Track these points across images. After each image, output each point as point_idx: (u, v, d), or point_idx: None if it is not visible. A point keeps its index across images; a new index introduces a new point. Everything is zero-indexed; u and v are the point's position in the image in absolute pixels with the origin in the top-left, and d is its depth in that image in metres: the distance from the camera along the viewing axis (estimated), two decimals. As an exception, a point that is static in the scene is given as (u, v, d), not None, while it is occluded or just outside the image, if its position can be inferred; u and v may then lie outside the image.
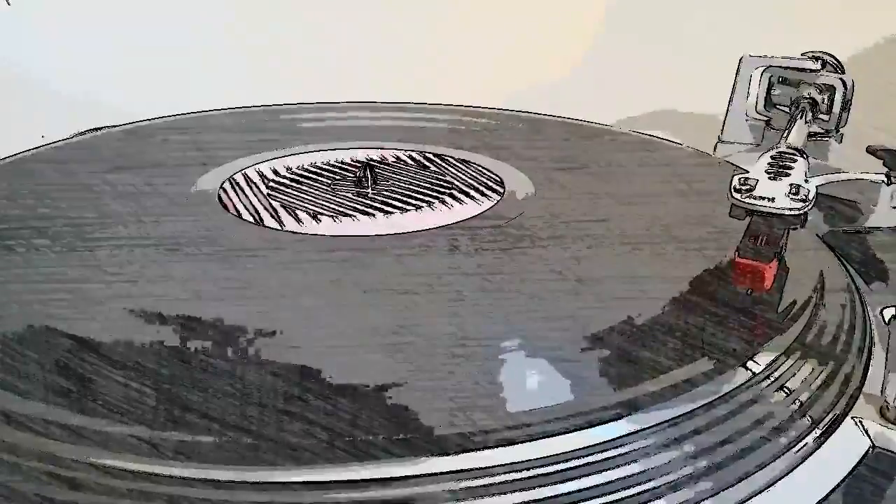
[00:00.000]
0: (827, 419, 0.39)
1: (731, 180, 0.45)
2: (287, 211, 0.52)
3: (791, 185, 0.45)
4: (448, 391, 0.36)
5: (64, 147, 0.63)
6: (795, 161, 0.48)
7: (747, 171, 0.47)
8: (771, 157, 0.49)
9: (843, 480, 0.37)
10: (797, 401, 0.39)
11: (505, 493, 0.33)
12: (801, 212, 0.44)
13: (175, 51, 0.83)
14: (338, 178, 0.57)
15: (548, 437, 0.34)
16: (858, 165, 0.63)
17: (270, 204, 0.53)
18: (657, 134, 0.69)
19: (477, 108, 0.73)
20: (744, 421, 0.37)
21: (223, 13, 0.85)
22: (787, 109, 0.67)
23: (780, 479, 0.36)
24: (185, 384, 0.37)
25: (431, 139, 0.65)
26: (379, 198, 0.54)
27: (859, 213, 0.60)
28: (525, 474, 0.33)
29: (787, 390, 0.39)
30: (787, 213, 0.44)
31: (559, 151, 0.65)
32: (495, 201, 0.54)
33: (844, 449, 0.38)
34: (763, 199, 0.44)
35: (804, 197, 0.44)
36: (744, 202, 0.44)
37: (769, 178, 0.46)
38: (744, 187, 0.45)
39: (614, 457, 0.34)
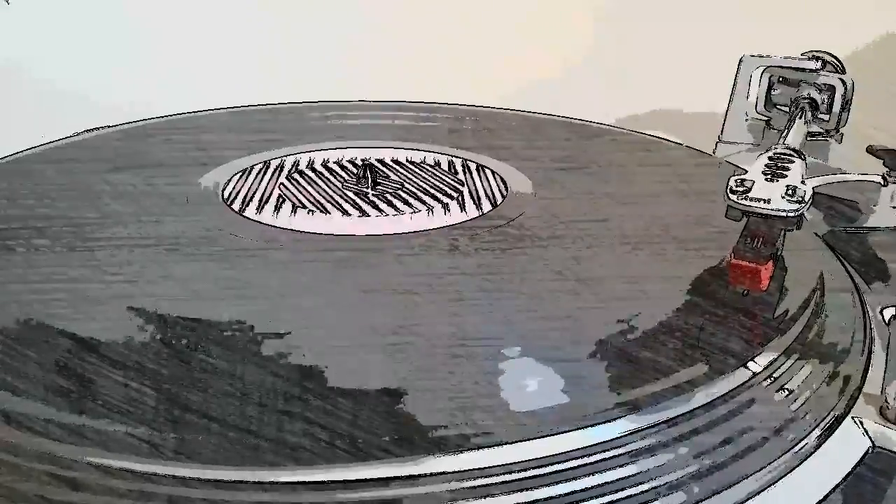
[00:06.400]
0: (827, 419, 0.39)
1: (728, 181, 0.45)
2: (286, 209, 0.52)
3: (787, 186, 0.45)
4: (448, 391, 0.36)
5: (64, 147, 0.63)
6: (793, 162, 0.48)
7: (746, 172, 0.47)
8: (768, 157, 0.49)
9: (843, 480, 0.37)
10: (797, 401, 0.39)
11: (505, 494, 0.33)
12: (797, 213, 0.44)
13: (174, 50, 0.83)
14: (338, 177, 0.57)
15: (547, 437, 0.34)
16: (858, 165, 0.63)
17: (269, 203, 0.53)
18: (657, 134, 0.69)
19: (477, 107, 0.73)
20: (744, 421, 0.37)
21: (223, 13, 0.85)
22: (787, 109, 0.67)
23: (780, 479, 0.36)
24: (185, 384, 0.37)
25: (431, 139, 0.65)
26: (379, 197, 0.54)
27: (859, 213, 0.60)
28: (525, 474, 0.33)
29: (787, 390, 0.39)
30: (782, 214, 0.44)
31: (559, 151, 0.65)
32: (495, 202, 0.54)
33: (844, 449, 0.38)
34: (759, 200, 0.44)
35: (800, 198, 0.44)
36: (740, 203, 0.44)
37: (766, 179, 0.46)
38: (740, 188, 0.45)
39: (614, 457, 0.34)
